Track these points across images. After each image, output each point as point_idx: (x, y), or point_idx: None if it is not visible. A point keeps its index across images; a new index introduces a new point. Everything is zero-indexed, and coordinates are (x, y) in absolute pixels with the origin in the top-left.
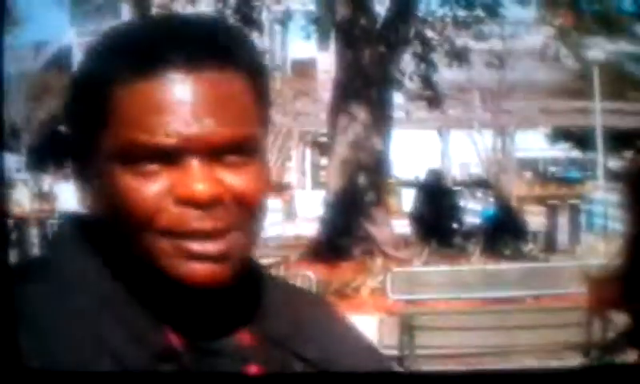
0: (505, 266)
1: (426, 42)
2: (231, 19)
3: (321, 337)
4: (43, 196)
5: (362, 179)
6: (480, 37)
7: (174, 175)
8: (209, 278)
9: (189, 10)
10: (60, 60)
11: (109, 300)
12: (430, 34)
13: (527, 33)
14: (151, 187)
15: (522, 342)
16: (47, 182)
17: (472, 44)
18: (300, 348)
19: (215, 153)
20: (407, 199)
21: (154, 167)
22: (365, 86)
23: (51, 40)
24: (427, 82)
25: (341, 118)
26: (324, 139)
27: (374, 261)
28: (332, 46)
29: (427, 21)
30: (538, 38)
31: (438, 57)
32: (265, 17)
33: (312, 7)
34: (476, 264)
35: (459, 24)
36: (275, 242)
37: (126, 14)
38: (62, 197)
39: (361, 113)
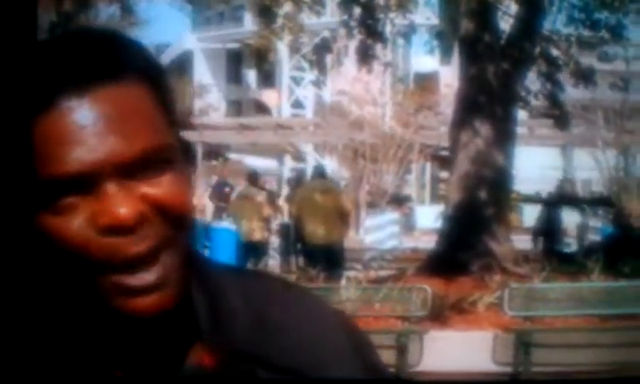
0: (623, 283)
1: (551, 61)
2: (356, 31)
3: (287, 337)
4: None
5: (482, 194)
6: (604, 58)
7: (92, 204)
8: (152, 309)
9: (313, 21)
10: (181, 64)
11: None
12: (555, 53)
13: None
14: (72, 222)
15: (638, 360)
16: None
17: (596, 65)
18: (264, 354)
19: (128, 171)
20: (528, 215)
21: (69, 200)
22: (488, 101)
23: (172, 43)
24: (553, 100)
25: (463, 133)
26: (445, 153)
27: (492, 276)
28: (454, 60)
29: (552, 39)
30: None
31: (562, 76)
32: (389, 30)
33: (435, 21)
34: (595, 281)
35: (584, 44)
36: (392, 254)
37: (249, 21)
38: None
39: (484, 128)
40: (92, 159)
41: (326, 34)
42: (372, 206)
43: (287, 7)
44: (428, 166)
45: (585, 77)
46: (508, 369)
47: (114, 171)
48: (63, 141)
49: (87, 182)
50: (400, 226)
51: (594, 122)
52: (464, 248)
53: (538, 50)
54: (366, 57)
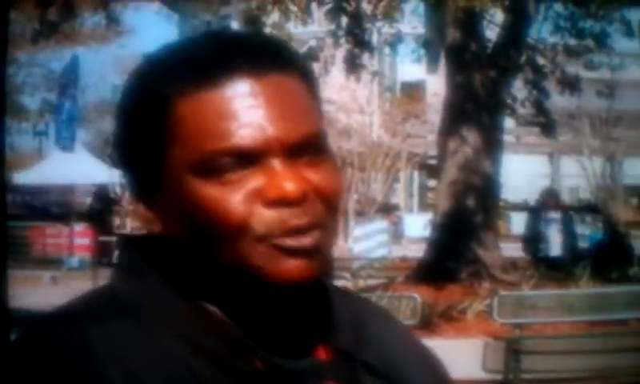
0: (611, 289)
1: (537, 69)
2: (343, 40)
3: (387, 348)
4: None
5: (470, 202)
6: (590, 66)
7: (259, 178)
8: (304, 274)
9: (300, 30)
10: None
11: (189, 329)
12: (541, 61)
13: (635, 64)
14: (238, 194)
15: (627, 365)
16: None
17: (582, 73)
18: (368, 360)
19: (292, 152)
20: (515, 223)
21: (237, 174)
22: (475, 109)
23: None
24: (539, 108)
25: (451, 141)
26: (432, 161)
27: (481, 284)
28: (441, 69)
29: (538, 48)
30: None
31: (548, 84)
32: (376, 39)
33: (422, 30)
34: (584, 288)
35: (570, 52)
36: (381, 262)
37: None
38: None
39: (471, 136)
40: (263, 137)
41: (313, 43)
42: (360, 214)
43: (274, 16)
44: (416, 174)
45: (571, 85)
46: (498, 376)
47: (280, 151)
48: (237, 119)
49: (256, 158)
50: (388, 235)
51: (580, 130)
52: (452, 256)
53: (524, 58)
54: (353, 66)
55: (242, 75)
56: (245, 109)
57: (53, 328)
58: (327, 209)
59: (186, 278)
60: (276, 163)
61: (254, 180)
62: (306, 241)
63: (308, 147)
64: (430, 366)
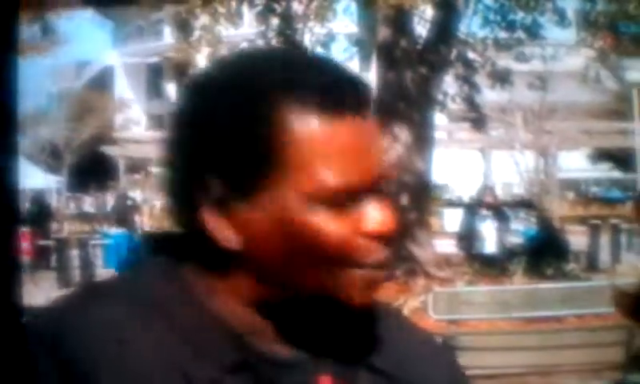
0: (547, 285)
1: (467, 64)
2: (274, 41)
3: (390, 348)
4: (83, 216)
5: (403, 199)
6: (521, 58)
7: (361, 213)
8: (369, 301)
9: (231, 32)
10: (102, 80)
11: (184, 322)
12: (471, 55)
13: (568, 55)
14: (345, 226)
15: (563, 362)
16: (88, 202)
17: (514, 66)
18: (370, 357)
19: (377, 190)
20: (450, 219)
21: (345, 207)
22: (406, 106)
23: (93, 60)
24: (470, 103)
25: (382, 138)
26: None
27: (416, 281)
28: (374, 67)
29: (469, 42)
30: (578, 60)
31: (480, 78)
32: (307, 39)
33: (354, 29)
34: (518, 284)
35: (501, 46)
36: None
37: (169, 36)
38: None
39: (402, 133)
40: (370, 176)
41: (245, 45)
42: None
43: (204, 19)
44: None
45: (501, 78)
46: None
47: (375, 189)
48: (355, 157)
49: (360, 194)
50: None
51: (512, 124)
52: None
53: (454, 53)
54: None
55: (353, 113)
56: (358, 148)
57: (60, 309)
58: (391, 244)
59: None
60: (373, 200)
61: (358, 214)
62: (378, 277)
63: (380, 186)
64: (444, 360)
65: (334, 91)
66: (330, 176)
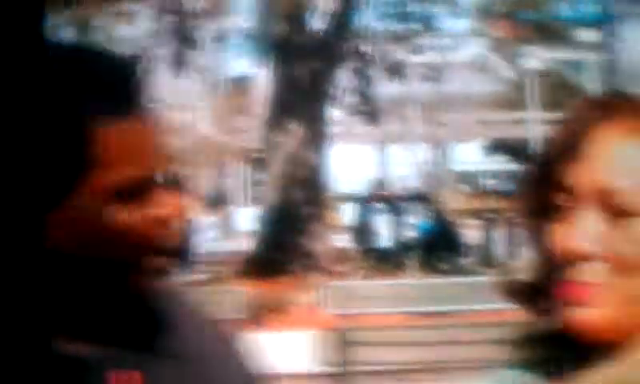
0: (441, 280)
1: (363, 57)
2: (169, 38)
3: (180, 331)
4: None
5: (298, 194)
6: (416, 50)
7: (149, 202)
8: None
9: (127, 30)
10: None
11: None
12: (367, 49)
13: (463, 45)
14: (135, 214)
15: (458, 357)
16: None
17: (409, 58)
18: (160, 343)
19: (167, 182)
20: (345, 213)
21: (134, 198)
22: (300, 101)
23: None
24: (364, 97)
25: (277, 134)
26: (261, 155)
27: (311, 275)
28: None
29: (364, 36)
30: (473, 49)
31: (375, 72)
32: (202, 35)
33: (249, 25)
34: (413, 278)
35: (395, 38)
36: (211, 257)
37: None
38: None
39: (296, 128)
40: (152, 168)
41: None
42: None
43: (101, 18)
44: (245, 168)
45: (395, 70)
46: (329, 368)
47: (159, 179)
48: (134, 153)
49: (146, 185)
50: (219, 229)
51: (408, 117)
52: (282, 248)
53: (349, 47)
54: (179, 63)
55: (132, 114)
56: (138, 145)
57: None
58: None
59: None
60: (161, 189)
61: (147, 203)
62: (173, 258)
63: None
64: (236, 358)
65: (113, 96)
66: (116, 172)
